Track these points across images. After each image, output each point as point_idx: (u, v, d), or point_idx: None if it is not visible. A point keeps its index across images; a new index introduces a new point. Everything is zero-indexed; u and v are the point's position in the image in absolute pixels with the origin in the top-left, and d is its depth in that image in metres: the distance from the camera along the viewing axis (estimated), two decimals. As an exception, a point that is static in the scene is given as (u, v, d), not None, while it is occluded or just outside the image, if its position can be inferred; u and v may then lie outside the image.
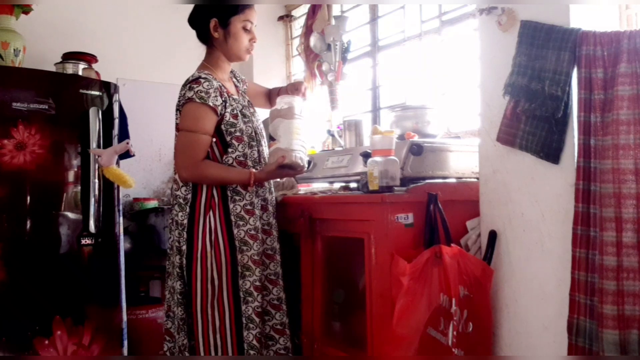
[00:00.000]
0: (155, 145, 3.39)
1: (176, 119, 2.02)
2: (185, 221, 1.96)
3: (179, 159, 1.96)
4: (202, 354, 1.95)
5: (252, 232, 1.98)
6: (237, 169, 1.99)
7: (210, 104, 1.92)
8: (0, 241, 2.30)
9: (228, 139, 1.99)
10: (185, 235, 1.95)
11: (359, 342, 1.94)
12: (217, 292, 1.94)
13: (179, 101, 1.99)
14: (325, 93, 3.09)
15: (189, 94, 1.93)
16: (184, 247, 1.95)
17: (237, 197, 1.99)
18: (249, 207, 1.99)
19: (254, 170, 2.00)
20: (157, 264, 3.28)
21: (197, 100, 1.91)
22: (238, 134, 2.00)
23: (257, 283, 1.97)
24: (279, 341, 2.03)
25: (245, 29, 2.04)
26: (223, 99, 1.97)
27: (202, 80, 1.94)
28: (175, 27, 3.41)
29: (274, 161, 1.99)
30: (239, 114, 2.02)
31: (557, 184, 1.65)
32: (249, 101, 2.18)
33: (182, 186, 1.99)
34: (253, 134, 2.06)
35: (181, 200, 1.98)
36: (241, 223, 1.98)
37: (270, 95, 2.35)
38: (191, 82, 1.95)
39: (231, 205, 1.97)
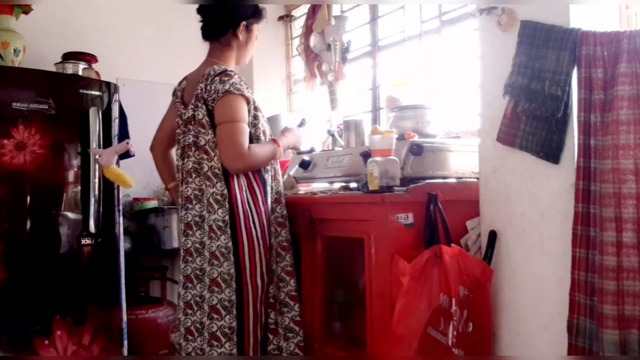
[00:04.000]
0: (156, 145, 3.39)
1: (195, 113, 1.97)
2: (227, 217, 1.92)
3: (229, 150, 1.90)
4: (251, 352, 1.93)
5: (280, 219, 2.06)
6: (268, 144, 2.05)
7: (246, 94, 1.96)
8: (0, 241, 2.30)
9: (252, 130, 2.01)
10: (229, 232, 1.91)
11: (359, 342, 1.94)
12: (265, 287, 1.97)
13: (205, 95, 1.94)
14: (325, 93, 3.09)
15: (225, 87, 1.91)
16: (229, 244, 1.90)
17: (268, 189, 2.05)
18: (276, 195, 2.08)
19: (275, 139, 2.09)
20: (157, 264, 3.29)
21: (235, 91, 1.92)
22: (262, 127, 2.06)
23: (289, 268, 2.04)
24: (299, 333, 2.05)
25: (257, 36, 2.14)
26: (250, 92, 2.01)
27: (231, 73, 1.96)
28: (175, 27, 3.43)
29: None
30: (259, 108, 2.07)
31: (557, 184, 1.65)
32: None
33: (217, 182, 1.94)
34: (269, 128, 2.15)
35: (218, 197, 1.93)
36: (271, 214, 2.05)
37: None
38: (220, 75, 1.93)
39: (266, 199, 2.02)
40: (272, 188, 2.07)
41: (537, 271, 1.71)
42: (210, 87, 1.93)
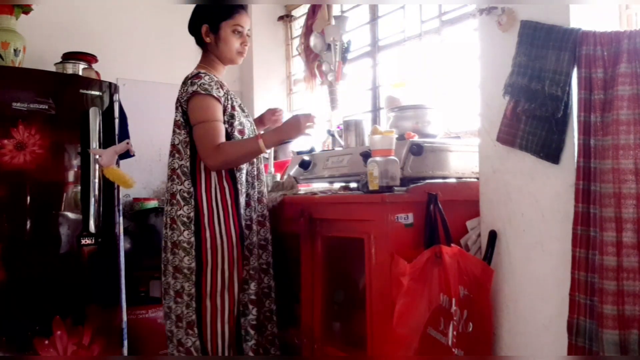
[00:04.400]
0: (155, 145, 3.39)
1: (175, 115, 2.07)
2: (192, 214, 1.99)
3: (201, 150, 1.99)
4: (209, 346, 1.98)
5: (248, 222, 2.08)
6: (247, 139, 2.05)
7: (214, 94, 1.99)
8: (0, 241, 2.30)
9: (229, 130, 2.04)
10: (193, 228, 1.98)
11: (359, 342, 1.94)
12: (227, 283, 2.00)
13: (180, 97, 2.04)
14: (325, 93, 3.09)
15: (193, 88, 1.98)
16: (192, 240, 1.98)
17: (243, 189, 2.07)
18: (246, 199, 2.09)
19: (261, 132, 2.10)
20: (157, 264, 3.26)
21: (202, 92, 1.97)
22: (240, 127, 2.07)
23: (252, 272, 2.06)
24: (268, 327, 2.11)
25: (235, 32, 2.09)
26: (224, 90, 2.05)
27: (202, 75, 2.01)
28: (175, 27, 3.41)
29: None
30: (238, 108, 2.10)
31: (557, 184, 1.65)
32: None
33: (184, 180, 2.02)
34: (252, 127, 2.16)
35: (185, 194, 2.01)
36: (243, 214, 2.06)
37: None
38: (192, 78, 2.01)
39: (241, 199, 2.05)
40: (253, 187, 2.11)
41: (537, 271, 1.71)
42: (183, 88, 2.03)
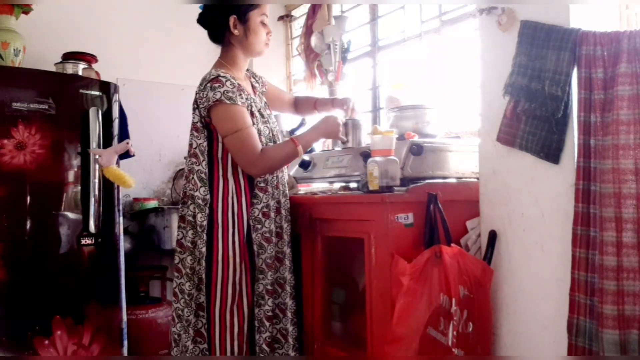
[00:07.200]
0: (155, 145, 3.39)
1: (193, 117, 2.01)
2: (205, 222, 1.93)
3: (242, 160, 1.94)
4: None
5: (267, 234, 1.99)
6: (284, 143, 2.01)
7: (239, 102, 1.93)
8: (0, 241, 2.30)
9: None
10: (205, 237, 1.93)
11: (359, 342, 1.94)
12: (237, 297, 1.94)
13: (198, 101, 1.96)
14: (325, 93, 3.09)
15: (216, 96, 1.90)
16: (204, 249, 1.92)
17: (256, 201, 1.99)
18: (265, 209, 2.00)
19: (293, 136, 2.03)
20: (157, 264, 3.29)
21: (227, 101, 1.90)
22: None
23: (269, 287, 1.98)
24: (284, 346, 2.03)
25: (262, 23, 2.05)
26: (245, 96, 1.98)
27: (223, 80, 1.92)
28: (175, 27, 3.43)
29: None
30: (257, 114, 2.03)
31: (557, 184, 1.65)
32: (265, 103, 2.19)
33: (200, 187, 1.95)
34: (270, 135, 2.07)
35: (200, 201, 1.94)
36: (259, 227, 1.98)
37: (297, 104, 2.40)
38: (211, 81, 1.92)
39: (251, 209, 1.97)
40: (273, 197, 2.02)
41: (537, 271, 1.71)
42: (202, 93, 1.94)
